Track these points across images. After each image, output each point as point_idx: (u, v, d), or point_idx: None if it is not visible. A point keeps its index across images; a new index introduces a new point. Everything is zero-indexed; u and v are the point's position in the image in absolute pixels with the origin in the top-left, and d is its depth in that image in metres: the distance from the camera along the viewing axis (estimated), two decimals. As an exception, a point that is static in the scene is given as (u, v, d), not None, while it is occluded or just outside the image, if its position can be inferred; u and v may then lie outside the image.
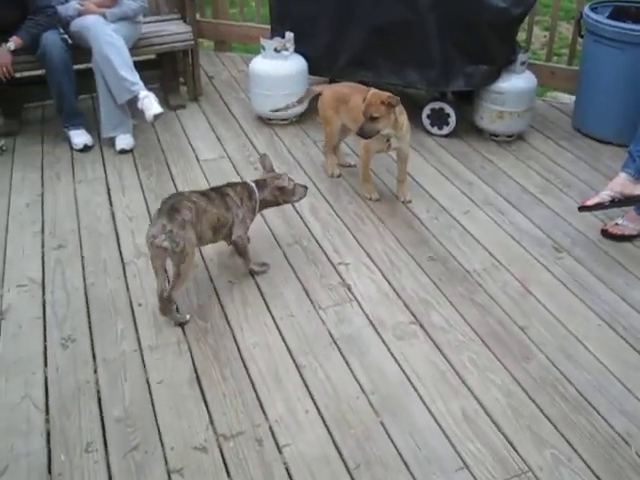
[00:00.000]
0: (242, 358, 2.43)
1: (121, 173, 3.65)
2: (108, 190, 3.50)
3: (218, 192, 2.69)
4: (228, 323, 2.59)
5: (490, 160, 3.74)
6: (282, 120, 4.13)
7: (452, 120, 3.88)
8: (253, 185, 2.76)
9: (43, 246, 3.05)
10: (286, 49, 3.99)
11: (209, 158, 3.79)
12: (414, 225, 3.18)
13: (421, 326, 2.56)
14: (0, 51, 3.58)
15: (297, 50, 4.04)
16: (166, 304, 2.53)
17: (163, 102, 4.41)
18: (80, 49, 3.73)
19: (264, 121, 4.17)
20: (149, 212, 3.27)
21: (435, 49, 3.67)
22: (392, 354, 2.43)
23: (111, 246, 3.03)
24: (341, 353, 2.44)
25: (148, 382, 2.32)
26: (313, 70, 4.13)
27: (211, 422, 2.17)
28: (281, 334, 2.53)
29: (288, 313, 2.64)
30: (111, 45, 3.65)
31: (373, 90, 3.02)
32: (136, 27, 4.04)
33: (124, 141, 3.85)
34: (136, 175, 3.63)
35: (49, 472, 2.02)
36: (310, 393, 2.28)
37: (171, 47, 4.22)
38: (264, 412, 2.21)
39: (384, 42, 3.78)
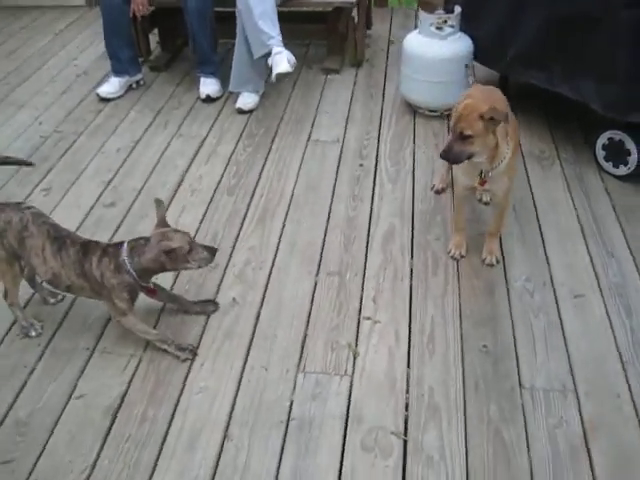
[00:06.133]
0: (176, 403, 2.01)
1: (223, 136, 3.34)
2: (196, 152, 3.21)
3: (81, 249, 2.06)
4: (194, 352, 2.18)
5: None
6: (430, 111, 3.41)
7: (633, 160, 2.81)
8: (125, 254, 2.03)
9: (98, 199, 2.90)
10: (451, 26, 3.23)
11: (321, 139, 3.28)
12: (495, 293, 2.37)
13: (404, 444, 1.88)
14: None
15: (464, 30, 3.27)
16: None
17: (318, 63, 3.97)
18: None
19: (410, 107, 3.50)
20: (215, 190, 2.93)
21: (621, 58, 2.63)
22: (340, 470, 1.82)
23: (151, 221, 2.71)
24: (283, 440, 1.90)
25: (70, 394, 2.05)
26: (480, 58, 3.31)
27: (93, 467, 1.84)
28: (237, 389, 2.05)
29: (264, 364, 2.13)
30: (256, -9, 3.26)
31: (470, 99, 2.18)
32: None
33: (245, 100, 3.51)
34: (235, 142, 3.28)
35: None
36: (213, 477, 1.81)
37: (327, 3, 3.70)
38: (148, 481, 1.81)
39: (560, 38, 2.82)
